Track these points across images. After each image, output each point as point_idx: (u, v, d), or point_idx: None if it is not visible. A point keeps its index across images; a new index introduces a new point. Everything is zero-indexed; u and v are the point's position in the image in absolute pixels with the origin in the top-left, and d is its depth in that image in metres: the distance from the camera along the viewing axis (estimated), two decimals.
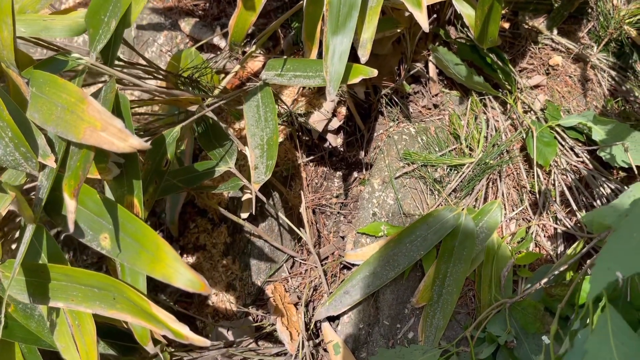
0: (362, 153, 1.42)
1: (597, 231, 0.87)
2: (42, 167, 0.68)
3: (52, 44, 0.87)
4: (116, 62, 1.01)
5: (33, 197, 0.75)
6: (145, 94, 1.33)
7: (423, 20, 0.95)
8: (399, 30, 1.23)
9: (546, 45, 1.54)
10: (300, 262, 1.32)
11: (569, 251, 1.19)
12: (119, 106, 0.71)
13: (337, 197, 1.40)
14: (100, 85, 1.02)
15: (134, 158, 0.69)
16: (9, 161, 0.66)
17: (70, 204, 0.54)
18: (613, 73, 1.49)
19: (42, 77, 0.63)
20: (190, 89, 1.07)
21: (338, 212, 1.39)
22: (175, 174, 1.03)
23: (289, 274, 1.32)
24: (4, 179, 0.74)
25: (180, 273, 0.59)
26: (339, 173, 1.43)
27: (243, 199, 1.22)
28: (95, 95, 0.73)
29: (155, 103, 1.00)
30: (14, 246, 0.81)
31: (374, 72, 0.90)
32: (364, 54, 0.93)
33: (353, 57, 0.95)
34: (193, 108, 0.92)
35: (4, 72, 0.68)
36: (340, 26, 0.85)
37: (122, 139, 0.54)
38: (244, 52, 1.39)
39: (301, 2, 1.13)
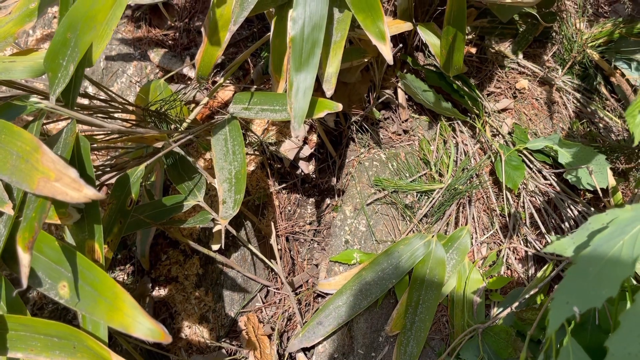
0: (334, 179, 1.42)
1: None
2: (0, 213, 0.67)
3: (15, 82, 0.86)
4: (82, 99, 1.00)
5: None
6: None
7: (387, 53, 0.97)
8: (366, 60, 1.24)
9: (513, 69, 1.58)
10: (275, 292, 1.31)
11: (539, 274, 1.21)
12: (79, 149, 0.71)
13: (310, 224, 1.40)
14: (64, 123, 1.02)
15: (94, 203, 0.69)
16: None
17: (23, 258, 0.53)
18: (578, 95, 1.53)
19: None
20: (158, 122, 1.06)
21: (312, 239, 1.39)
22: (143, 209, 1.02)
23: (263, 303, 1.31)
24: None
25: (139, 322, 0.58)
26: (311, 200, 1.43)
27: (214, 230, 1.21)
28: (56, 138, 0.73)
29: (119, 141, 0.99)
30: None
31: (339, 107, 0.91)
32: (329, 88, 0.94)
33: (320, 88, 0.96)
34: (159, 145, 0.91)
35: None
36: (303, 63, 0.86)
37: (76, 189, 0.54)
38: (214, 82, 1.39)
39: (269, 33, 1.14)
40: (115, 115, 1.16)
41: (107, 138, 1.01)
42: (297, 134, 0.91)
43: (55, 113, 0.74)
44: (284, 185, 1.40)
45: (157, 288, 1.30)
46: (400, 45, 1.33)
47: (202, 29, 0.98)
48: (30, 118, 0.77)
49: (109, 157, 1.30)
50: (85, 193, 0.53)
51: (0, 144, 0.61)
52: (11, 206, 0.65)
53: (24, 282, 0.53)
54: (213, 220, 1.13)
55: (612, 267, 0.60)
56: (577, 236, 0.72)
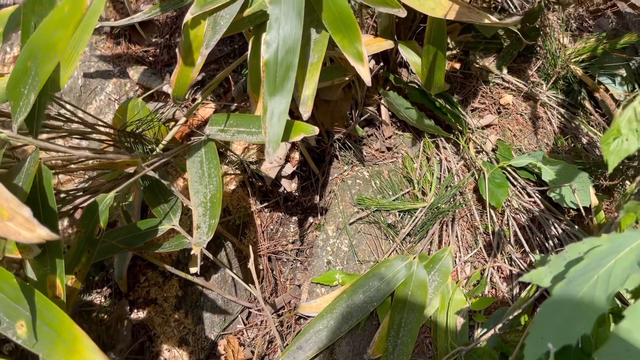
0: (318, 197, 1.41)
1: None
2: None
3: None
4: (55, 122, 0.98)
5: None
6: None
7: (365, 74, 0.96)
8: (347, 78, 1.23)
9: (497, 84, 1.57)
10: (256, 313, 1.29)
11: (523, 294, 1.19)
12: (41, 180, 0.69)
13: (293, 243, 1.38)
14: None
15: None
16: None
17: None
18: (562, 110, 1.52)
19: None
20: (134, 144, 1.04)
21: (294, 259, 1.37)
22: (118, 233, 1.00)
23: (245, 325, 1.28)
24: None
25: None
26: (294, 218, 1.41)
27: (192, 252, 1.19)
28: (19, 167, 0.70)
29: (91, 167, 0.97)
30: None
31: (315, 130, 0.89)
32: (305, 110, 0.92)
33: (297, 110, 0.94)
34: (131, 170, 0.89)
35: None
36: (277, 87, 0.85)
37: (30, 230, 0.51)
38: (194, 99, 1.37)
39: (247, 53, 1.13)
40: (93, 135, 1.14)
41: (80, 161, 0.99)
42: (270, 160, 0.89)
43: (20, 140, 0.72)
44: (265, 204, 1.38)
45: (135, 310, 1.27)
46: (382, 64, 1.31)
47: (177, 50, 0.96)
48: None
49: (86, 177, 1.28)
50: (39, 233, 0.51)
51: None
52: None
53: None
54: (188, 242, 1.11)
55: (586, 304, 0.58)
56: (554, 265, 0.70)
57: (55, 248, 0.66)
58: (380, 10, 0.97)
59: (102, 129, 1.08)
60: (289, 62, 0.85)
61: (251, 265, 1.04)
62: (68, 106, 0.97)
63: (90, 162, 1.06)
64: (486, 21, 1.00)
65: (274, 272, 1.36)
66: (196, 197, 0.95)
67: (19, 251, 0.66)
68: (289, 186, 1.37)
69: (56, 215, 0.66)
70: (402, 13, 0.96)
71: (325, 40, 0.97)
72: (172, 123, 1.32)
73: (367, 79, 0.96)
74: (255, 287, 1.09)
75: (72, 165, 1.00)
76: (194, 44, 0.94)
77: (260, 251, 1.34)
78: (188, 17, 0.82)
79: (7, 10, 0.79)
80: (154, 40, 1.47)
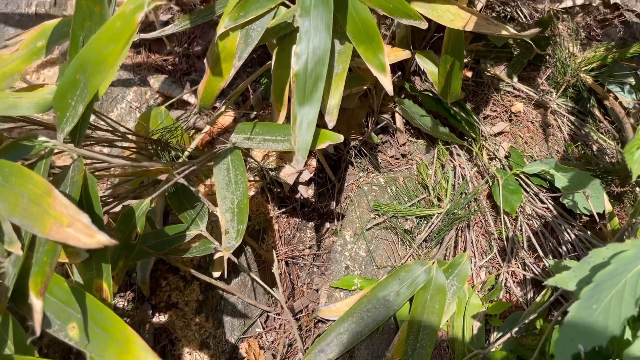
0: (334, 203, 1.43)
1: None
2: (9, 253, 0.67)
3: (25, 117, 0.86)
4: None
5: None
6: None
7: (388, 84, 0.98)
8: (365, 87, 1.26)
9: (508, 92, 1.60)
10: (275, 317, 1.32)
11: (537, 299, 1.22)
12: (87, 188, 0.71)
13: (310, 248, 1.41)
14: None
15: None
16: None
17: (36, 304, 0.54)
18: (572, 118, 1.55)
19: (8, 167, 0.63)
20: (160, 152, 1.07)
21: (311, 264, 1.39)
22: (145, 239, 1.03)
23: (264, 329, 1.31)
24: None
25: None
26: (311, 224, 1.44)
27: (215, 257, 1.22)
28: (63, 175, 0.73)
29: (123, 176, 1.00)
30: None
31: (340, 138, 0.92)
32: (331, 119, 0.95)
33: (320, 118, 0.97)
34: (163, 177, 0.92)
35: None
36: (307, 97, 0.88)
37: (89, 236, 0.54)
38: (214, 108, 1.40)
39: (270, 62, 1.16)
40: (118, 143, 1.16)
41: (108, 167, 1.02)
42: (300, 167, 0.92)
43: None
44: (283, 209, 1.40)
45: (157, 314, 1.30)
46: (399, 73, 1.35)
47: (205, 61, 0.99)
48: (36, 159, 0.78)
49: (108, 183, 1.31)
50: (98, 239, 0.54)
51: (11, 186, 0.62)
52: (20, 246, 0.65)
53: (37, 329, 0.53)
54: (214, 248, 1.13)
55: (615, 305, 0.61)
56: (578, 270, 0.73)
57: (101, 253, 0.69)
58: (402, 22, 1.00)
59: (130, 137, 1.11)
60: (317, 73, 0.88)
61: (275, 269, 1.07)
62: (108, 120, 1.00)
63: (117, 169, 1.09)
64: (504, 33, 1.03)
65: (292, 277, 1.38)
66: (223, 203, 0.98)
67: (67, 256, 0.68)
68: (306, 192, 1.40)
69: (102, 222, 0.69)
70: (424, 25, 0.99)
71: (349, 51, 1.00)
72: (193, 131, 1.35)
73: (389, 88, 0.98)
74: (279, 291, 1.12)
75: (104, 172, 1.03)
76: (222, 54, 0.97)
77: (278, 256, 1.37)
78: (222, 30, 0.85)
79: (50, 23, 0.82)
80: (172, 49, 1.50)
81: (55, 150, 0.74)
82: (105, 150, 1.38)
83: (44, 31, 0.82)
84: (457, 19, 1.07)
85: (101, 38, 0.63)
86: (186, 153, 1.13)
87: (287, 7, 1.06)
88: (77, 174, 0.71)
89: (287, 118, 1.07)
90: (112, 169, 0.96)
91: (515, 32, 1.02)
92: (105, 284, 0.69)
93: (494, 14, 1.61)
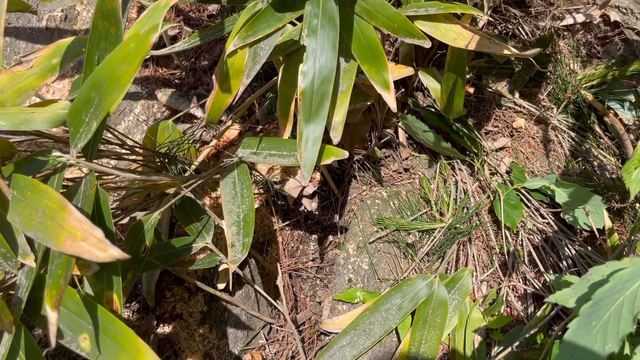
0: (337, 216, 1.45)
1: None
2: (22, 265, 0.69)
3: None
4: None
5: (11, 292, 0.75)
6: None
7: (391, 101, 1.00)
8: (369, 103, 1.28)
9: (509, 108, 1.62)
10: (278, 329, 1.33)
11: (538, 313, 1.23)
12: (99, 203, 0.73)
13: (313, 260, 1.43)
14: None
15: None
16: None
17: (52, 316, 0.55)
18: (573, 134, 1.57)
19: (23, 181, 0.65)
20: (168, 165, 1.09)
21: (314, 276, 1.41)
22: (152, 251, 1.04)
23: (266, 340, 1.32)
24: None
25: None
26: (314, 236, 1.46)
27: (220, 269, 1.23)
28: (75, 189, 0.75)
29: (131, 189, 1.02)
30: None
31: (345, 154, 0.94)
32: (335, 135, 0.97)
33: (325, 133, 0.99)
34: (171, 190, 0.94)
35: None
36: (312, 114, 0.90)
37: (102, 250, 0.56)
38: (220, 121, 1.43)
39: (275, 77, 1.18)
40: (125, 156, 1.18)
41: (118, 180, 1.04)
42: (306, 183, 0.94)
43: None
44: (287, 222, 1.42)
45: (161, 325, 1.31)
46: (402, 89, 1.37)
47: (213, 77, 1.02)
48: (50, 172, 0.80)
49: (115, 195, 1.33)
50: (111, 253, 0.55)
51: (27, 200, 0.64)
52: (33, 258, 0.67)
53: (53, 341, 0.55)
54: (220, 260, 1.15)
55: (614, 322, 0.62)
56: (578, 287, 0.75)
57: (112, 266, 0.71)
58: (406, 41, 1.02)
59: (138, 150, 1.13)
60: (324, 91, 0.90)
61: (279, 282, 1.08)
62: (117, 133, 1.02)
63: (124, 182, 1.11)
64: (506, 52, 1.06)
65: (295, 289, 1.40)
66: (230, 216, 1.00)
67: (78, 268, 0.70)
68: (310, 205, 1.42)
69: (114, 236, 0.71)
70: (427, 44, 1.01)
71: (354, 69, 1.03)
72: (199, 144, 1.37)
73: (392, 105, 1.01)
74: (281, 303, 1.13)
75: (110, 184, 1.05)
76: (231, 71, 0.99)
77: (281, 268, 1.38)
78: (231, 48, 0.88)
79: (64, 41, 0.84)
80: (179, 63, 1.53)
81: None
82: (112, 162, 1.40)
83: (59, 49, 0.84)
84: (460, 37, 1.09)
85: (116, 58, 0.66)
86: (193, 166, 1.15)
87: (294, 25, 1.09)
88: (89, 188, 0.73)
89: (293, 133, 1.09)
90: (119, 181, 0.98)
91: (517, 52, 1.05)
92: (115, 296, 0.70)
93: (495, 31, 1.63)
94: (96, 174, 0.87)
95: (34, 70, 0.83)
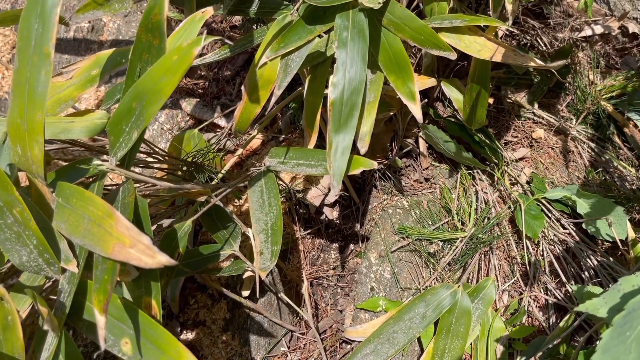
0: (358, 225, 1.46)
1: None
2: (63, 270, 0.71)
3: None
4: None
5: (51, 297, 0.77)
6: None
7: (417, 112, 1.02)
8: (391, 113, 1.30)
9: (529, 118, 1.63)
10: (299, 336, 1.34)
11: (561, 323, 1.23)
12: (137, 210, 0.75)
13: (334, 269, 1.44)
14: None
15: None
16: (32, 267, 0.68)
17: (100, 320, 0.57)
18: (592, 145, 1.58)
19: (68, 189, 0.67)
20: (195, 173, 1.11)
21: (335, 284, 1.42)
22: (182, 258, 1.06)
23: (288, 348, 1.33)
24: (22, 279, 0.76)
25: None
26: (335, 245, 1.47)
27: (244, 276, 1.25)
28: (113, 196, 0.77)
29: (160, 197, 1.04)
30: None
31: (374, 165, 0.96)
32: (363, 146, 0.99)
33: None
34: (202, 198, 0.96)
35: (29, 180, 0.72)
36: (342, 125, 0.91)
37: (150, 256, 0.58)
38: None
39: (300, 89, 1.20)
40: (152, 165, 1.21)
41: (152, 189, 1.06)
42: (336, 192, 0.95)
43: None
44: (309, 230, 1.44)
45: (185, 331, 1.33)
46: (425, 100, 1.38)
47: (242, 87, 1.04)
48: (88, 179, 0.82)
49: None
50: (159, 259, 0.57)
51: (72, 208, 0.65)
52: (76, 264, 0.69)
53: (102, 345, 0.57)
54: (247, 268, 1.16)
55: None
56: (609, 297, 0.75)
57: (151, 272, 0.73)
58: (432, 52, 1.04)
59: (165, 159, 1.15)
60: (353, 102, 0.92)
61: (304, 290, 1.10)
62: (148, 142, 1.04)
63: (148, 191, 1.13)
64: (531, 64, 1.07)
65: (316, 297, 1.41)
66: (257, 224, 1.01)
67: (118, 274, 0.72)
68: (331, 214, 1.43)
69: (152, 242, 0.72)
70: (453, 56, 1.03)
71: (381, 80, 1.04)
72: (222, 153, 1.40)
73: (419, 116, 1.02)
74: (306, 310, 1.14)
75: (138, 193, 1.07)
76: (260, 82, 1.01)
77: (306, 277, 1.39)
78: (263, 60, 0.90)
79: (104, 53, 0.87)
80: (203, 73, 1.56)
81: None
82: (137, 170, 1.43)
83: (98, 61, 0.87)
84: (484, 49, 1.11)
85: (159, 70, 0.68)
86: (220, 175, 1.17)
87: (320, 37, 1.11)
88: (127, 195, 0.75)
89: (318, 143, 1.10)
90: (144, 189, 1.00)
91: (542, 63, 1.06)
92: (154, 302, 0.72)
93: (514, 42, 1.65)
94: (141, 187, 0.89)
95: (73, 80, 0.85)
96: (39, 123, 0.65)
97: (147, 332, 0.65)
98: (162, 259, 0.57)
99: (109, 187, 0.95)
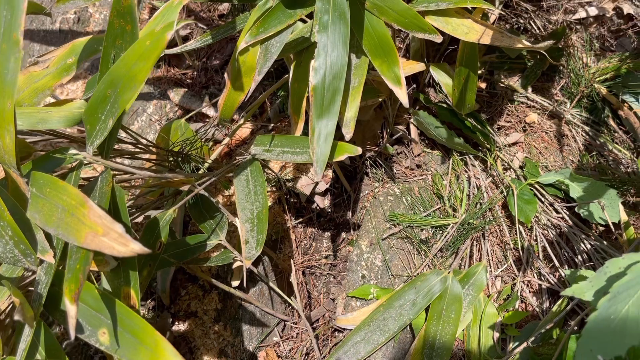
0: (350, 213, 1.45)
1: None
2: (41, 261, 0.70)
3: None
4: None
5: (30, 289, 0.77)
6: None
7: (403, 96, 1.00)
8: (380, 99, 1.28)
9: (522, 102, 1.61)
10: (292, 326, 1.33)
11: (554, 308, 1.22)
12: (114, 199, 0.74)
13: (326, 257, 1.43)
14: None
15: None
16: (8, 258, 0.68)
17: (71, 309, 0.56)
18: (587, 128, 1.56)
19: (42, 179, 0.66)
20: (181, 163, 1.10)
21: (328, 273, 1.41)
22: (167, 248, 1.05)
23: (281, 337, 1.32)
24: (2, 271, 0.75)
25: None
26: (327, 234, 1.46)
27: (234, 266, 1.24)
28: (91, 186, 0.76)
29: (145, 187, 1.03)
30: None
31: (359, 150, 0.94)
32: (347, 132, 0.98)
33: (337, 130, 0.99)
34: (185, 188, 0.95)
35: (5, 171, 0.71)
36: (324, 110, 0.90)
37: (123, 244, 0.57)
38: (232, 120, 1.43)
39: (286, 76, 1.19)
40: (138, 155, 1.19)
41: (132, 179, 1.05)
42: (318, 179, 0.94)
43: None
44: (300, 219, 1.43)
45: (176, 323, 1.32)
46: (413, 85, 1.37)
47: (225, 75, 1.02)
48: (67, 169, 0.81)
49: (129, 194, 1.34)
50: (132, 248, 0.56)
51: (46, 197, 0.64)
52: (52, 255, 0.68)
53: (72, 334, 0.56)
54: (234, 257, 1.16)
55: (633, 317, 0.62)
56: (595, 280, 0.74)
57: (130, 262, 0.72)
58: (417, 36, 1.02)
59: (152, 149, 1.14)
60: (335, 87, 0.90)
61: (293, 279, 1.09)
62: (131, 132, 1.03)
63: (138, 181, 1.12)
64: (519, 45, 1.05)
65: (308, 286, 1.40)
66: (243, 213, 1.00)
67: (96, 264, 0.71)
68: (322, 202, 1.42)
69: (132, 231, 0.71)
70: (438, 39, 1.01)
71: (365, 65, 1.03)
72: (211, 143, 1.38)
73: (405, 101, 1.00)
74: (296, 300, 1.13)
75: (125, 184, 1.06)
76: (243, 69, 0.99)
77: (295, 265, 1.39)
78: (242, 45, 0.88)
79: (80, 41, 0.85)
80: (191, 63, 1.54)
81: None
82: (126, 162, 1.42)
83: (74, 48, 0.85)
84: (471, 32, 1.09)
85: (132, 55, 0.66)
86: (206, 165, 1.15)
87: (305, 22, 1.09)
88: (105, 185, 0.74)
89: (305, 130, 1.09)
90: (133, 180, 0.99)
91: (530, 44, 1.04)
92: (133, 292, 0.71)
93: (507, 26, 1.63)
94: (111, 172, 0.88)
95: (49, 70, 0.84)
96: (9, 112, 0.64)
97: (124, 321, 0.65)
98: (135, 247, 0.56)
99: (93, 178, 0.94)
